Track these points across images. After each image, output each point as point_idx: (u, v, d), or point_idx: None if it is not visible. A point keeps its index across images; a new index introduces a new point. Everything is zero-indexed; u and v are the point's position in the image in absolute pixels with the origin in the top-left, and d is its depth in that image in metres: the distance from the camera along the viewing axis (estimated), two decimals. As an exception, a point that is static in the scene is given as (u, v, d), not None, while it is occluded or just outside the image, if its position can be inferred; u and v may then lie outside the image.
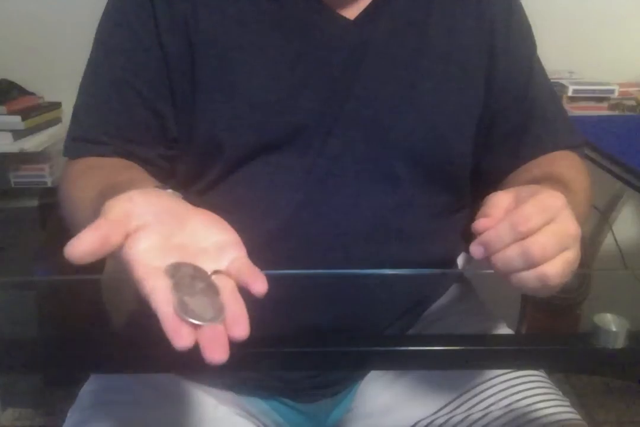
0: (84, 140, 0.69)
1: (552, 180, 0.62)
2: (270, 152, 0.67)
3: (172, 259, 0.41)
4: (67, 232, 0.69)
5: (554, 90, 0.80)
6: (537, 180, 0.62)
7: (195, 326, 0.37)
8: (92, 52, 0.70)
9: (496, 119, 0.73)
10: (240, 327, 0.38)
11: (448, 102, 0.70)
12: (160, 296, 0.38)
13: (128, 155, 0.68)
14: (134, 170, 0.66)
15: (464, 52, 0.70)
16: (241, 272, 0.42)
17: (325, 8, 0.67)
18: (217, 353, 0.36)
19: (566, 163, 0.72)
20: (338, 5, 0.67)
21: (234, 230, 0.45)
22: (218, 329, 0.37)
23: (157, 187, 0.51)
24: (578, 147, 0.77)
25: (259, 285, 0.40)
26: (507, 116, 0.74)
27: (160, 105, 0.68)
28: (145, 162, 0.68)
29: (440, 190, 0.72)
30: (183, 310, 0.38)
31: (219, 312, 0.39)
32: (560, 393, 0.72)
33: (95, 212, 0.50)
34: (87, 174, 0.65)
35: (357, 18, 0.68)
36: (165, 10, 0.66)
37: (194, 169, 0.70)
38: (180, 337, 0.36)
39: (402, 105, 0.68)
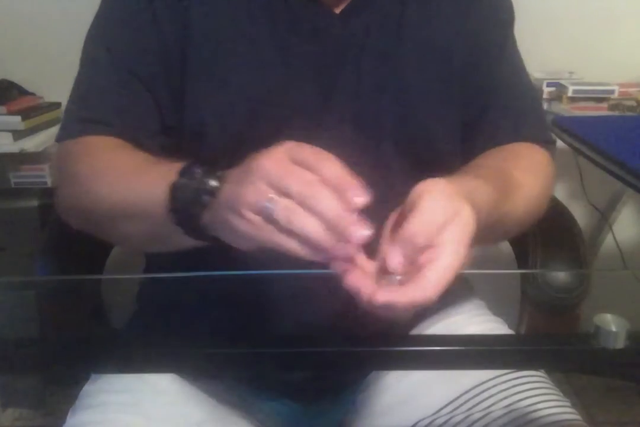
0: (92, 121, 0.68)
1: (481, 185, 0.58)
2: (259, 143, 0.67)
3: None
4: (67, 230, 0.70)
5: (530, 83, 0.79)
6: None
7: None
8: (89, 40, 0.71)
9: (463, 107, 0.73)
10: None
11: (429, 89, 0.70)
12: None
13: (132, 142, 0.68)
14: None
15: (444, 38, 0.71)
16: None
17: (312, 1, 0.68)
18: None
19: (524, 163, 0.70)
20: None
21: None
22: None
23: None
24: (547, 143, 0.76)
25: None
26: (469, 103, 0.73)
27: (158, 92, 0.68)
28: (146, 151, 0.68)
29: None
30: None
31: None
32: (561, 393, 0.72)
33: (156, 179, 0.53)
34: (114, 149, 0.65)
35: (342, 11, 0.69)
36: (161, 1, 0.67)
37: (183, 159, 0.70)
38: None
39: (384, 96, 0.69)
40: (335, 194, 0.44)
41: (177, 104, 0.68)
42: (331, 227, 0.43)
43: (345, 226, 0.43)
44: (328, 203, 0.43)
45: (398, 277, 0.45)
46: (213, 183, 0.51)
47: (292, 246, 0.45)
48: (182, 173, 0.53)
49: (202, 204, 0.51)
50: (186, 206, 0.52)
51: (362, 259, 0.47)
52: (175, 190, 0.52)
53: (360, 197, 0.44)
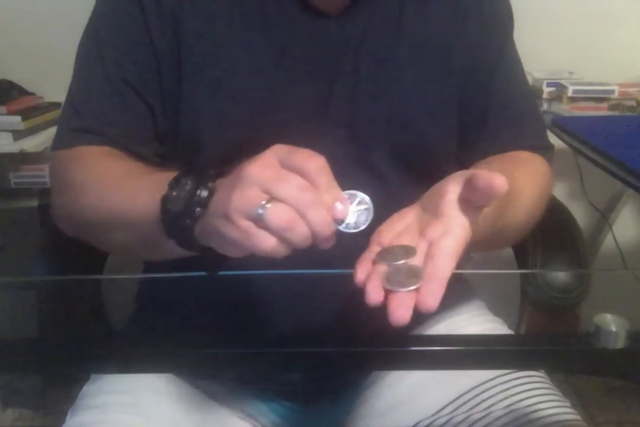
0: (84, 130, 0.68)
1: None
2: (255, 149, 0.67)
3: None
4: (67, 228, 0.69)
5: (528, 88, 0.79)
6: None
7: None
8: (82, 48, 0.71)
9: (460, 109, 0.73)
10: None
11: (425, 92, 0.70)
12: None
13: (126, 151, 0.68)
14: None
15: (442, 39, 0.70)
16: None
17: (307, 5, 0.67)
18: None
19: (525, 169, 0.70)
20: (321, 3, 0.67)
21: None
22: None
23: None
24: (545, 149, 0.76)
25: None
26: (467, 106, 0.73)
27: (152, 100, 0.68)
28: (140, 159, 0.68)
29: (428, 185, 0.72)
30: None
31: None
32: (561, 393, 0.72)
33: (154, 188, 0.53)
34: (105, 159, 0.65)
35: (338, 15, 0.68)
36: (153, 7, 0.67)
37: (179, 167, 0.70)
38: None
39: (379, 101, 0.69)
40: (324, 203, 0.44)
41: (172, 111, 0.68)
42: (315, 236, 0.44)
43: (325, 238, 0.45)
44: (319, 214, 0.44)
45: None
46: (204, 194, 0.50)
47: (281, 252, 0.45)
48: (173, 185, 0.52)
49: (193, 216, 0.50)
50: (178, 219, 0.51)
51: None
52: (166, 202, 0.52)
53: (344, 210, 0.46)
